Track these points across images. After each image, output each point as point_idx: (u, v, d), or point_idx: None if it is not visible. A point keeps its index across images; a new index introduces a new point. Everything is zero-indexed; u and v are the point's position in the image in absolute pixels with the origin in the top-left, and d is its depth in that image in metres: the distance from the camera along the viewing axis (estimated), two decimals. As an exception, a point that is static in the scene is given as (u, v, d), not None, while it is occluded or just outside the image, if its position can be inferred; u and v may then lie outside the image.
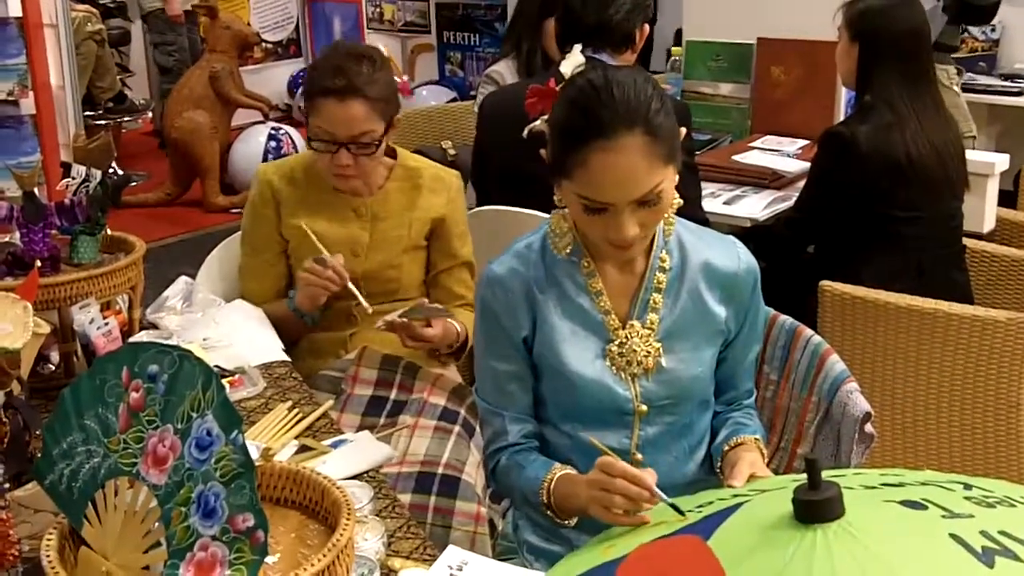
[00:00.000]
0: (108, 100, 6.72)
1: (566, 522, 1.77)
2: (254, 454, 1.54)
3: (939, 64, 4.49)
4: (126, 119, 7.09)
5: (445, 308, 2.46)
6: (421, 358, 2.48)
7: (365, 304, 2.39)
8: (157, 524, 1.19)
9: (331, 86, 2.35)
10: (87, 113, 5.87)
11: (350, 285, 2.40)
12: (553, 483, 1.76)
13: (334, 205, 2.51)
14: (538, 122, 1.80)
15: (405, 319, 2.36)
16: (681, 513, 1.41)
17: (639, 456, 1.82)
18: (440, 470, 2.13)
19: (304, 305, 2.47)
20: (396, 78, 2.49)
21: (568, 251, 1.81)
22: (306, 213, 2.50)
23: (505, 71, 4.02)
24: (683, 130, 1.73)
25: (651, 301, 1.81)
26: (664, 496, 1.47)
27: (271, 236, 2.55)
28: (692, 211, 2.63)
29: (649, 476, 1.53)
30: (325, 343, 2.53)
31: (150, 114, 7.53)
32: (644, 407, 1.81)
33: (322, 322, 2.54)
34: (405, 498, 2.05)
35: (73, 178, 2.28)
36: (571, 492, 1.71)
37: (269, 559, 1.28)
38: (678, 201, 1.76)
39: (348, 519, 1.28)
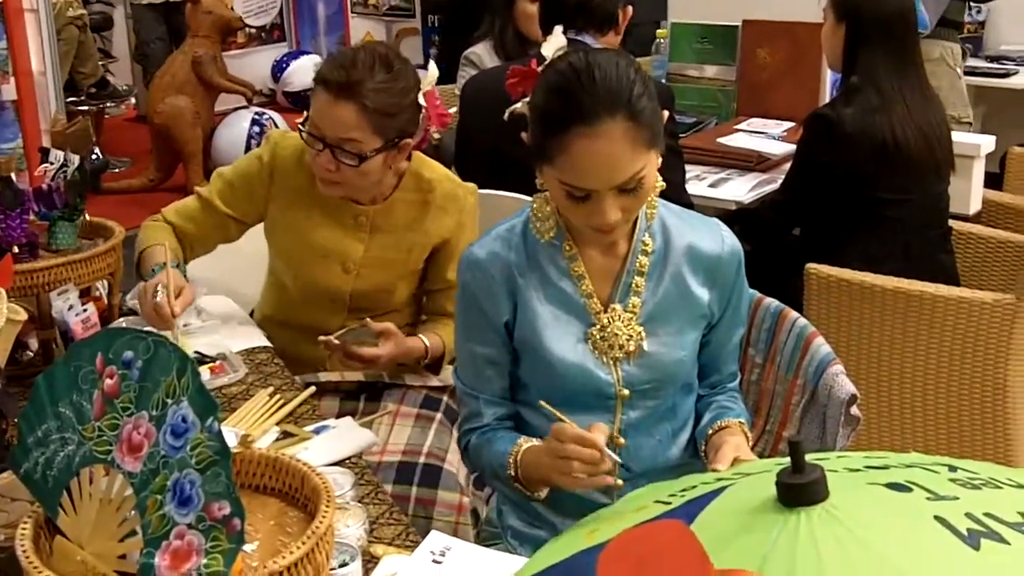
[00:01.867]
0: (90, 86, 6.66)
1: (536, 494, 1.76)
2: (232, 441, 1.52)
3: (945, 41, 4.49)
4: (108, 105, 7.02)
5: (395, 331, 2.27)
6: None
7: (177, 339, 2.08)
8: (132, 512, 1.17)
9: (329, 77, 2.13)
10: (69, 99, 5.82)
11: (175, 333, 2.10)
12: (520, 455, 1.76)
13: (334, 207, 2.32)
14: (519, 104, 1.78)
15: (339, 341, 2.21)
16: (624, 468, 1.47)
17: (622, 440, 1.81)
18: (422, 459, 2.11)
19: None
20: (446, 113, 2.26)
21: (551, 235, 1.80)
22: (304, 208, 2.33)
23: (483, 53, 4.01)
24: (666, 113, 1.71)
25: (633, 284, 1.80)
26: (613, 455, 1.58)
27: (246, 206, 2.40)
28: (676, 195, 2.61)
29: (599, 434, 1.59)
30: (304, 359, 2.37)
31: (133, 100, 7.48)
32: (626, 391, 1.80)
33: (300, 338, 2.38)
34: (386, 488, 2.03)
35: (51, 163, 2.26)
36: (536, 461, 1.72)
37: (248, 547, 1.27)
38: (661, 184, 1.75)
39: (328, 506, 1.26)
